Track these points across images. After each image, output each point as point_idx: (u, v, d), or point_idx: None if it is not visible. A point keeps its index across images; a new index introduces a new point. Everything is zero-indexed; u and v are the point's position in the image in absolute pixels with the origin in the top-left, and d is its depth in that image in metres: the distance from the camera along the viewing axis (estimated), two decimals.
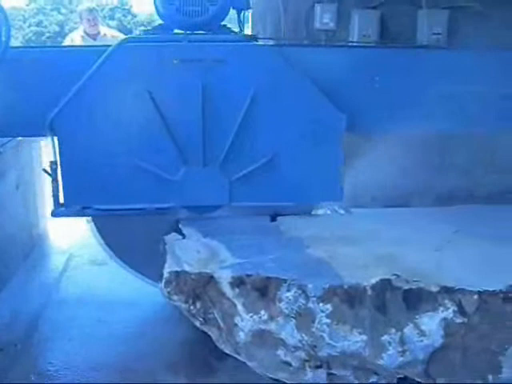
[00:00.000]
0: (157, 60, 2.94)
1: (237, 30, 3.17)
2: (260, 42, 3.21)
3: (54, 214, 3.14)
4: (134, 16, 23.86)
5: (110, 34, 5.80)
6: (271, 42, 3.68)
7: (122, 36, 6.01)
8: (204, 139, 3.02)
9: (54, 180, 3.07)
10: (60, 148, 2.98)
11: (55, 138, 2.98)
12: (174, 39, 3.03)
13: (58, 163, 3.03)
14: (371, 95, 3.15)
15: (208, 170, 3.08)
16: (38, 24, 22.60)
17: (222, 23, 3.11)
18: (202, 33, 3.07)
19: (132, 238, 3.23)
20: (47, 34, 22.18)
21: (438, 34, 4.44)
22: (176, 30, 3.10)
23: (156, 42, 2.99)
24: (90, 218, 3.31)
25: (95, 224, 3.32)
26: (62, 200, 3.08)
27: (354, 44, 4.25)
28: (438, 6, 4.45)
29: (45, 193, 4.77)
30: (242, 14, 3.21)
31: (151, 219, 3.13)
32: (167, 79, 2.95)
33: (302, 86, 3.00)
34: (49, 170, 3.08)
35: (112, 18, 22.79)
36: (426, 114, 3.10)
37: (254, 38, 3.17)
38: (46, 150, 4.89)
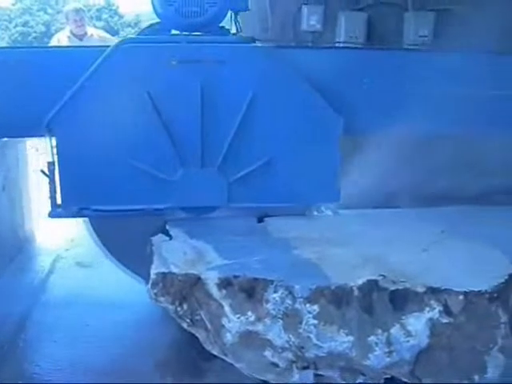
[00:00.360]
0: (155, 61, 2.92)
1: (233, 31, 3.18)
2: (259, 44, 3.21)
3: (52, 215, 3.10)
4: (121, 17, 23.81)
5: (97, 35, 5.80)
6: (261, 44, 3.69)
7: (109, 36, 6.02)
8: (202, 140, 3.01)
9: (52, 181, 3.03)
10: (58, 149, 2.96)
11: (53, 139, 2.95)
12: (173, 40, 3.02)
13: (56, 164, 2.99)
14: (360, 97, 3.17)
15: (206, 171, 3.07)
16: (24, 24, 22.50)
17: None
18: (201, 34, 3.06)
19: (129, 238, 3.21)
20: (33, 35, 22.09)
21: (425, 36, 4.47)
22: (173, 31, 3.09)
23: (154, 42, 2.98)
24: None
25: (91, 223, 3.30)
26: (59, 201, 3.06)
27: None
28: (424, 9, 4.49)
29: (31, 194, 4.75)
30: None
31: (149, 220, 3.12)
32: (166, 80, 2.94)
33: (300, 88, 3.00)
34: (46, 170, 3.04)
35: (99, 18, 22.72)
36: (414, 116, 3.11)
37: (252, 39, 3.17)
38: (32, 151, 4.90)
